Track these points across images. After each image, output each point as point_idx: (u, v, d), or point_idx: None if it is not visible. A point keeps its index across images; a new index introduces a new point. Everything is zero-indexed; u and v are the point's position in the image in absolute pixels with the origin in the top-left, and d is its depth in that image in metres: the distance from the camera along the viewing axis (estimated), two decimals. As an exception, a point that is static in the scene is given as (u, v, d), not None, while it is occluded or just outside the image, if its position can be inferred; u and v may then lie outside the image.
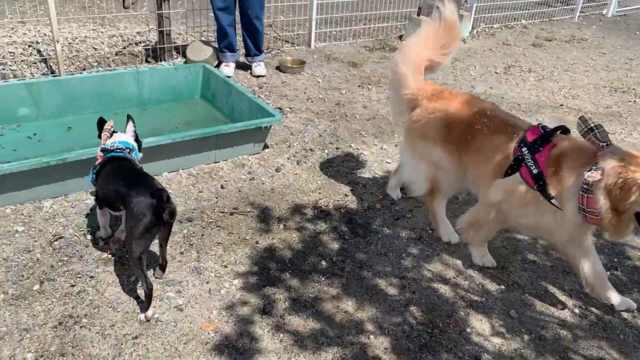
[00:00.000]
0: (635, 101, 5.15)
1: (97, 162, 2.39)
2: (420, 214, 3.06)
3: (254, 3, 4.69)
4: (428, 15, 6.51)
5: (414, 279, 2.53)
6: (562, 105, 4.92)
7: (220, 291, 2.35)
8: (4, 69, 4.49)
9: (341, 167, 3.51)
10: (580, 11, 8.67)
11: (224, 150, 3.38)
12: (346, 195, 3.18)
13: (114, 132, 2.51)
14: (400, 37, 6.67)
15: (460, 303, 2.40)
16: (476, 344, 2.18)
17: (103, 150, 2.41)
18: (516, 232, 2.95)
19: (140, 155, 2.58)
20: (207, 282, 2.39)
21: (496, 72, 5.71)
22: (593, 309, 2.43)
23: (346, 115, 4.31)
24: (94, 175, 2.37)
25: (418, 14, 6.48)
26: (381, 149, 3.81)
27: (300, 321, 2.23)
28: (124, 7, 5.29)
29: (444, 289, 2.48)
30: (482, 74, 5.63)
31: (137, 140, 2.57)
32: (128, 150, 2.41)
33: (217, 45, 5.00)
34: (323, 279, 2.48)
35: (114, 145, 2.40)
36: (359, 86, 4.99)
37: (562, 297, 2.50)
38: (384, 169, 3.53)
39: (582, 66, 6.18)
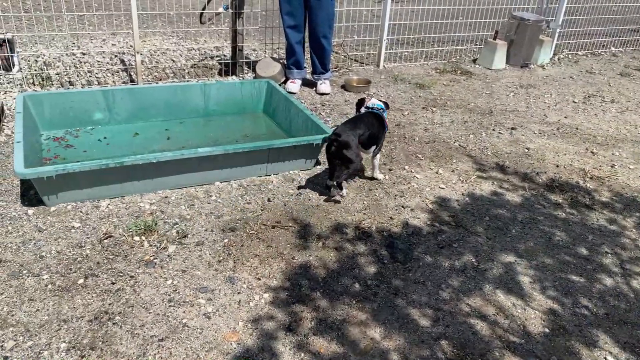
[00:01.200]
0: None
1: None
2: (467, 244, 2.92)
3: (323, 22, 4.77)
4: (505, 39, 6.31)
5: (450, 312, 2.41)
6: (645, 139, 4.53)
7: (249, 303, 2.37)
8: (90, 77, 4.88)
9: (391, 189, 3.44)
10: (681, 39, 8.00)
11: (276, 164, 3.44)
12: (391, 219, 3.11)
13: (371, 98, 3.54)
14: (475, 61, 6.49)
15: (496, 343, 2.25)
16: (508, 390, 2.03)
17: (367, 108, 3.49)
18: (570, 273, 2.73)
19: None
20: (239, 293, 2.42)
21: (574, 102, 5.38)
22: (650, 368, 2.19)
23: (405, 137, 4.24)
24: None
25: (494, 38, 6.28)
26: (436, 173, 3.70)
27: (324, 343, 2.19)
28: (201, 23, 5.60)
29: (480, 326, 2.34)
30: (558, 102, 5.33)
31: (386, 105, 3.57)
32: (381, 110, 3.47)
33: (285, 62, 5.12)
34: (354, 302, 2.43)
35: (374, 106, 3.47)
36: (423, 108, 4.90)
37: (614, 349, 2.27)
38: (436, 194, 3.42)
39: (675, 99, 5.67)
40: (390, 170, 3.68)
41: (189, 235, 2.79)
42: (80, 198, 2.96)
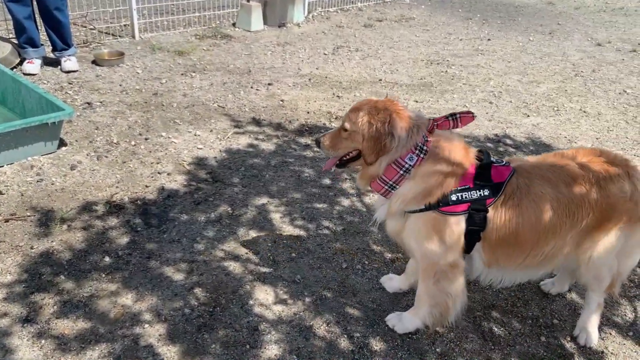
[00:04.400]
0: (446, 71, 5.59)
1: None
2: (223, 196, 3.02)
3: (51, -8, 4.32)
4: (259, 1, 6.52)
5: (204, 261, 2.49)
6: (380, 80, 5.19)
7: (-24, 306, 2.12)
8: None
9: (147, 157, 3.36)
10: (411, -8, 9.24)
11: (7, 152, 3.07)
12: (147, 187, 3.05)
13: None
14: (234, 24, 6.60)
15: (247, 277, 2.41)
16: (257, 315, 2.19)
17: None
18: (315, 202, 3.03)
19: None
20: (-37, 299, 2.15)
21: (324, 54, 5.87)
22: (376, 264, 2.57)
23: (162, 105, 4.15)
24: None
25: (248, 0, 6.45)
26: (195, 135, 3.72)
27: (69, 323, 2.08)
28: None
29: (233, 266, 2.47)
30: (311, 56, 5.76)
31: None
32: None
33: (16, 41, 4.54)
34: (103, 275, 2.34)
35: None
36: (182, 74, 4.84)
37: (348, 257, 2.61)
38: (194, 155, 3.45)
39: (405, 43, 6.57)
40: (146, 139, 3.58)
41: None
42: None
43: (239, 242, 2.65)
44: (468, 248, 1.95)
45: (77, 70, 4.65)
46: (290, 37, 6.41)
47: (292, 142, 3.76)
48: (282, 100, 4.48)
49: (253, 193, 3.09)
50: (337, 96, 4.68)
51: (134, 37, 5.71)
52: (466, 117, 1.92)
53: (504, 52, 6.45)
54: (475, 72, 5.63)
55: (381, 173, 1.92)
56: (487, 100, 4.86)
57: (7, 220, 2.64)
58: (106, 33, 5.69)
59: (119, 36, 5.69)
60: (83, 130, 3.61)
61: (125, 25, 5.85)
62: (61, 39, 4.58)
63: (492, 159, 1.95)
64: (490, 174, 1.90)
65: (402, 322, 2.16)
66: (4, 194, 2.85)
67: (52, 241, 2.53)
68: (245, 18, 6.49)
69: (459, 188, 1.87)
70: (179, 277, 2.37)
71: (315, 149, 3.68)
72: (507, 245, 1.92)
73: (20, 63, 4.53)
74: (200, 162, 3.37)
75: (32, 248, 2.47)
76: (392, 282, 2.40)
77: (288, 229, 2.78)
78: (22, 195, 2.86)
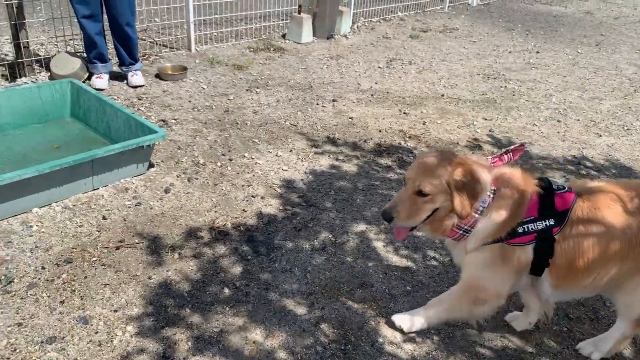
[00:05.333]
0: (505, 87, 5.54)
1: None
2: (321, 222, 3.00)
3: (124, 8, 4.32)
4: (309, 12, 6.51)
5: (322, 293, 2.47)
6: (442, 95, 5.15)
7: (112, 341, 2.10)
8: None
9: (237, 180, 3.35)
10: (450, 1, 9.20)
11: (103, 175, 3.06)
12: (244, 211, 3.03)
13: None
14: (284, 36, 6.59)
15: (369, 312, 2.38)
16: (390, 354, 2.17)
17: None
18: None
19: None
20: (96, 333, 2.13)
21: (379, 67, 5.84)
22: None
23: (237, 123, 4.14)
24: None
25: (299, 12, 6.44)
26: (276, 156, 3.70)
27: (207, 361, 2.06)
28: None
29: (352, 299, 2.44)
30: (366, 69, 5.73)
31: None
32: None
33: (86, 56, 4.55)
34: (227, 309, 2.32)
35: None
36: (247, 90, 4.83)
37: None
38: (281, 177, 3.43)
39: (456, 55, 6.54)
40: (230, 160, 3.57)
41: (15, 280, 2.35)
42: None
43: (350, 274, 2.62)
44: (537, 272, 2.01)
45: (143, 85, 4.65)
46: (340, 49, 6.39)
47: (372, 164, 3.73)
48: (350, 118, 4.45)
49: (349, 219, 3.07)
50: (404, 113, 4.64)
51: (189, 49, 5.71)
52: (519, 150, 2.05)
53: (556, 65, 6.40)
54: (534, 87, 5.58)
55: (457, 221, 1.98)
56: (554, 118, 4.81)
57: (117, 248, 2.62)
58: (163, 45, 5.69)
59: (175, 49, 5.69)
60: (166, 150, 3.60)
61: (179, 38, 5.85)
62: (129, 54, 4.58)
63: (553, 185, 1.99)
64: (554, 202, 1.94)
65: (412, 321, 2.20)
66: (107, 218, 2.84)
67: (168, 270, 2.51)
68: (296, 30, 6.47)
69: (525, 220, 1.93)
70: (301, 310, 2.35)
71: (398, 170, 3.65)
72: (575, 271, 1.97)
73: (89, 78, 4.53)
74: (289, 185, 3.35)
75: (149, 278, 2.45)
76: (519, 321, 2.36)
77: (395, 260, 2.76)
78: (125, 220, 2.85)
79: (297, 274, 2.57)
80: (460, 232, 1.99)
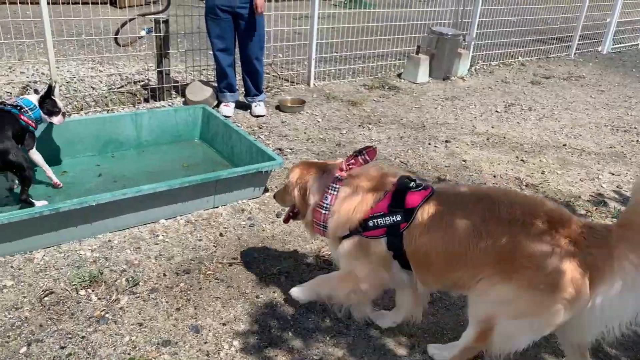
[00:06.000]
0: (638, 140, 5.11)
1: None
2: (427, 264, 2.94)
3: (254, 44, 4.68)
4: (427, 53, 6.55)
5: (423, 336, 2.40)
6: (564, 145, 4.87)
7: (219, 353, 2.21)
8: None
9: (344, 212, 3.41)
10: (576, 48, 8.76)
11: (224, 195, 3.29)
12: (350, 243, 3.06)
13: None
14: (399, 75, 6.68)
15: None
16: (493, 412, 2.04)
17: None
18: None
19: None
20: (205, 343, 2.26)
21: (497, 111, 5.69)
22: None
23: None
24: None
25: (417, 52, 6.51)
26: (384, 192, 3.71)
27: (305, 386, 2.09)
28: (118, 45, 5.29)
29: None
30: (483, 112, 5.61)
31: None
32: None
33: (216, 85, 4.97)
34: (328, 338, 2.34)
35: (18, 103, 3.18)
36: (360, 125, 4.94)
37: None
38: (388, 214, 3.43)
39: (581, 104, 6.17)
40: (339, 192, 3.65)
41: (140, 283, 2.57)
42: (8, 251, 2.64)
43: (455, 321, 2.53)
44: (406, 266, 2.09)
45: (264, 115, 4.95)
46: (456, 91, 6.33)
47: (484, 209, 3.60)
48: (464, 160, 4.36)
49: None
50: (522, 160, 4.46)
51: (308, 84, 5.99)
52: (371, 151, 2.19)
53: (700, 121, 5.78)
54: (672, 143, 5.08)
55: (310, 218, 2.22)
56: (696, 179, 4.32)
57: (230, 264, 2.78)
58: (285, 79, 6.03)
59: (296, 83, 6.00)
60: (281, 177, 3.78)
61: (299, 73, 6.17)
62: (255, 85, 4.92)
63: (411, 184, 2.06)
64: (404, 199, 2.02)
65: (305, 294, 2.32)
66: (223, 235, 3.03)
67: (274, 292, 2.60)
68: (412, 70, 6.54)
69: (375, 214, 2.04)
70: (401, 351, 2.30)
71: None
72: (425, 267, 2.04)
73: (217, 105, 4.92)
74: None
75: (257, 297, 2.56)
76: (385, 320, 2.41)
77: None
78: (239, 239, 3.02)
79: (399, 313, 2.53)
80: (320, 227, 2.19)
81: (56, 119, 3.36)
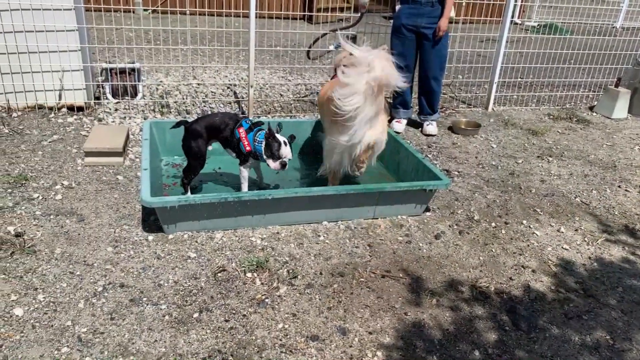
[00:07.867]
0: None
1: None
2: (599, 317, 2.62)
3: (435, 64, 4.68)
4: (629, 87, 5.85)
5: (585, 397, 2.15)
6: None
7: (362, 359, 2.25)
8: (205, 106, 5.11)
9: (509, 245, 3.21)
10: None
11: (384, 207, 3.34)
12: (511, 279, 2.88)
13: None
14: (591, 108, 6.07)
15: None
16: None
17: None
18: None
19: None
20: (350, 346, 2.32)
21: None
22: None
23: (520, 188, 3.98)
24: None
25: (616, 85, 5.84)
26: (558, 231, 3.41)
27: (443, 415, 2.01)
28: (309, 58, 5.71)
29: (623, 420, 2.05)
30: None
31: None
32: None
33: (391, 101, 5.07)
34: (474, 371, 2.23)
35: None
36: (538, 157, 4.60)
37: None
38: (559, 255, 3.14)
39: None
40: (506, 224, 3.45)
41: (298, 277, 2.75)
42: (196, 228, 3.03)
43: (626, 388, 2.22)
44: None
45: (435, 135, 4.91)
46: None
47: (681, 270, 3.08)
48: (661, 211, 3.79)
49: (637, 325, 2.60)
50: None
51: (486, 108, 5.77)
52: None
53: None
54: None
55: None
56: None
57: (383, 276, 2.81)
58: (462, 101, 5.91)
59: (473, 106, 5.83)
60: (444, 199, 3.70)
61: (477, 96, 5.98)
62: (429, 105, 4.91)
63: None
64: None
65: None
66: (379, 247, 3.08)
67: (423, 312, 2.56)
68: (608, 104, 5.88)
69: None
70: (556, 406, 2.09)
71: None
72: None
73: (389, 120, 5.02)
74: (567, 266, 3.04)
75: (405, 314, 2.55)
76: None
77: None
78: (394, 253, 3.04)
79: (558, 365, 2.30)
80: None
81: (272, 163, 3.18)
